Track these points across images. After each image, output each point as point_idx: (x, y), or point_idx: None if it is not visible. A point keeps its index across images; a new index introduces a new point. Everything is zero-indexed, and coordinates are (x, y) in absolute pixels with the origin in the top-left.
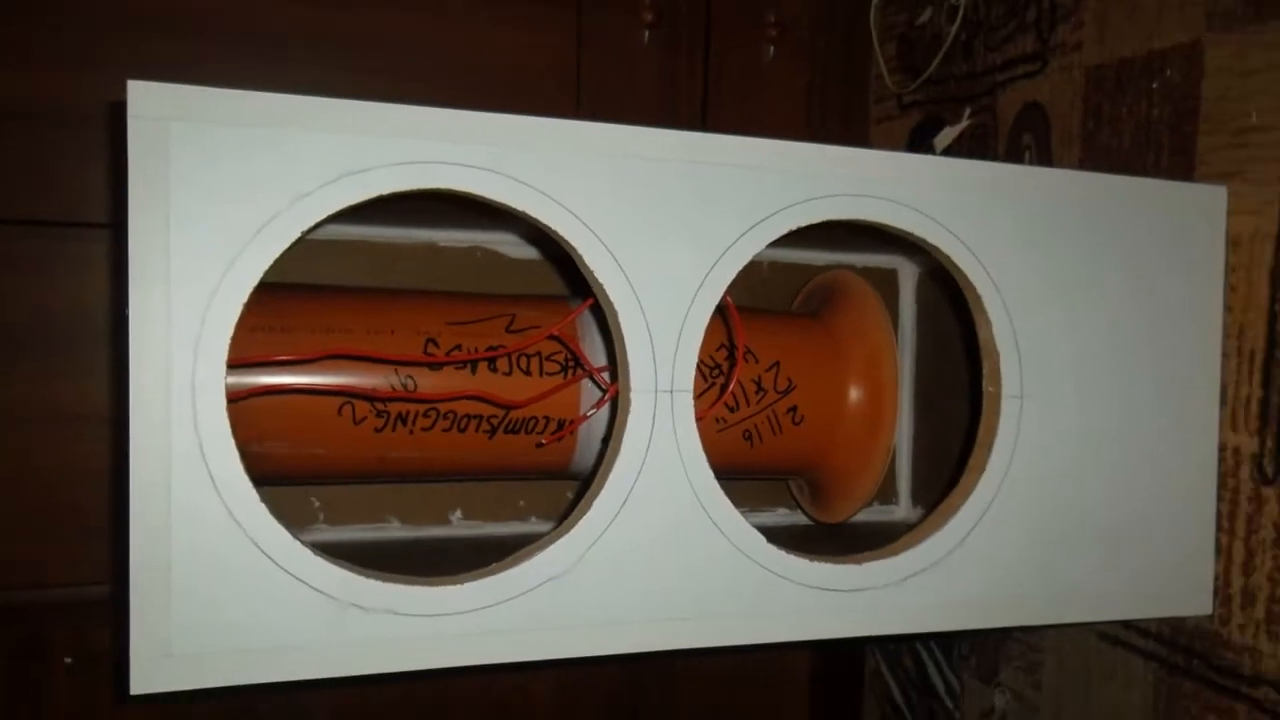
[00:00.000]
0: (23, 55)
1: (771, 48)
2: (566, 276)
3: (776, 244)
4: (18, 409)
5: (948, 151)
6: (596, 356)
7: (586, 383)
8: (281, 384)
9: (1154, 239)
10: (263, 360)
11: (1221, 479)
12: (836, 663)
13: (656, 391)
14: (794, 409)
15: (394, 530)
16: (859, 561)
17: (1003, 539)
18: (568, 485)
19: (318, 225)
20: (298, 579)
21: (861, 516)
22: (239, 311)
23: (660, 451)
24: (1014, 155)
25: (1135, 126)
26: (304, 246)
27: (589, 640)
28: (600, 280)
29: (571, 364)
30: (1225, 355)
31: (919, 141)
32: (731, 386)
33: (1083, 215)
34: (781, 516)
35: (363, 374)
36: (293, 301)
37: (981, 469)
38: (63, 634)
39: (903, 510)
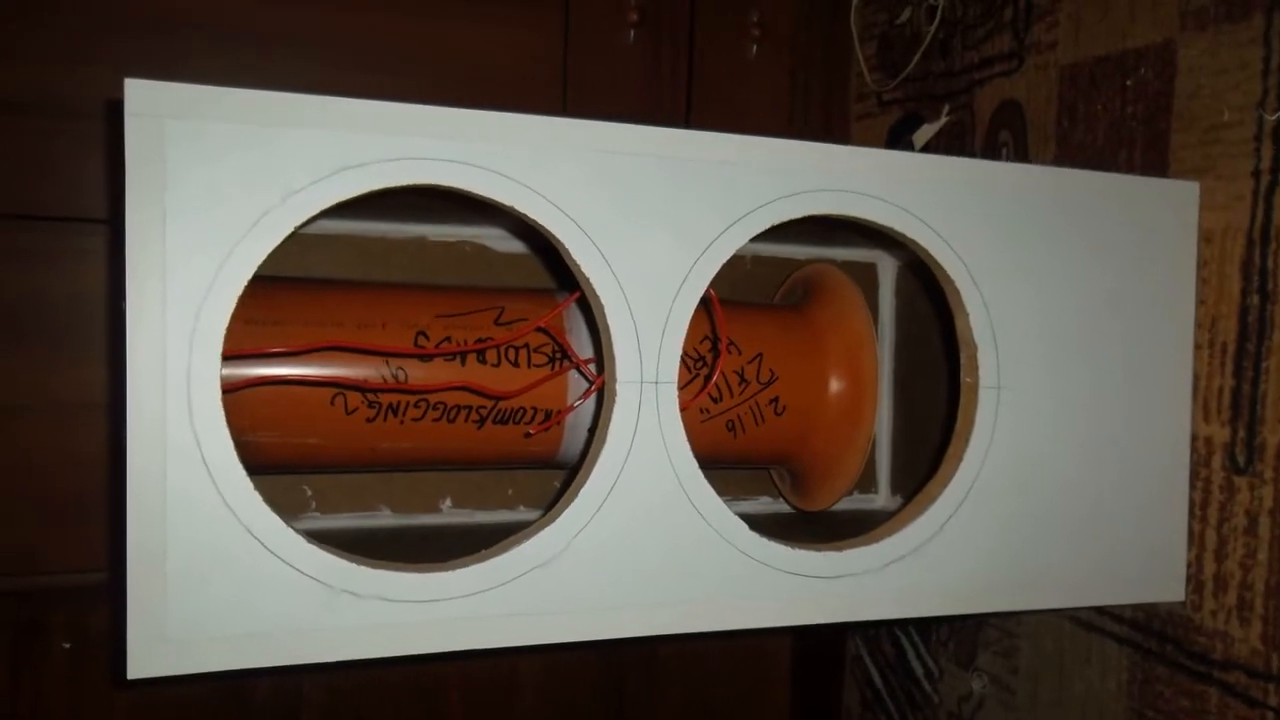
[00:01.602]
0: (20, 51)
1: (754, 46)
2: (554, 270)
3: (759, 238)
4: (17, 398)
5: (926, 148)
6: (583, 348)
7: (573, 374)
8: (275, 375)
9: (1128, 234)
10: (257, 352)
11: (1194, 468)
12: (817, 648)
13: (642, 383)
14: (776, 399)
15: (385, 518)
16: (839, 549)
17: (980, 527)
18: (555, 474)
19: (310, 220)
20: (291, 565)
21: (842, 505)
22: (233, 304)
23: (645, 442)
24: (991, 152)
25: (1109, 124)
26: (296, 241)
27: (575, 626)
28: (587, 274)
29: (559, 356)
30: (1197, 347)
31: (898, 138)
32: (715, 378)
33: (1058, 211)
34: (764, 505)
35: (354, 365)
36: (286, 295)
37: (959, 458)
38: (61, 619)
39: (882, 499)
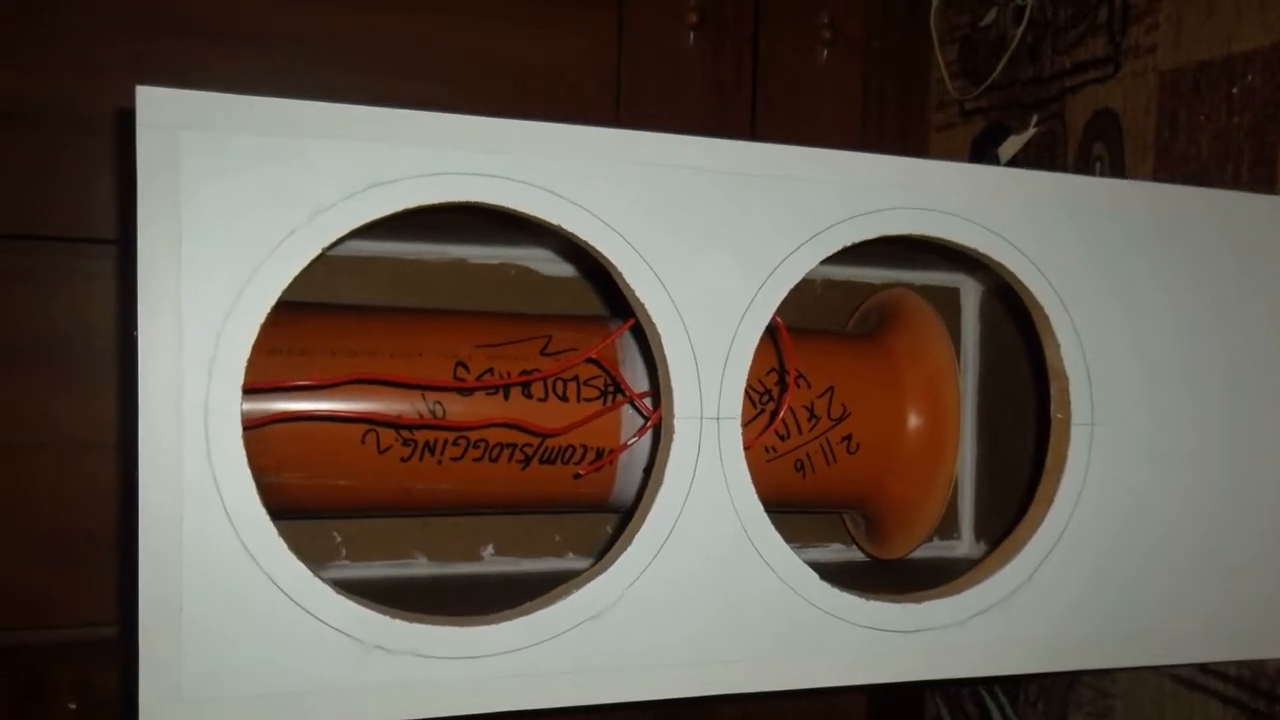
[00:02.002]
0: (21, 55)
1: (825, 50)
2: (605, 295)
3: (830, 261)
4: (19, 434)
5: (1013, 162)
6: (638, 381)
7: (627, 409)
8: (301, 410)
9: (1234, 255)
10: (281, 385)
11: None
12: (894, 708)
13: (702, 419)
14: (849, 437)
15: (421, 567)
16: (918, 600)
17: (1072, 575)
18: (606, 519)
19: (340, 241)
20: (318, 618)
21: (921, 552)
22: (255, 332)
23: (706, 483)
24: (1084, 165)
25: (1214, 134)
26: (325, 263)
27: (629, 685)
28: (642, 299)
29: (611, 389)
30: None
31: (982, 151)
32: (782, 413)
33: (1157, 230)
34: (835, 552)
35: (388, 400)
36: (313, 322)
37: (1049, 501)
38: (66, 677)
39: (965, 545)
